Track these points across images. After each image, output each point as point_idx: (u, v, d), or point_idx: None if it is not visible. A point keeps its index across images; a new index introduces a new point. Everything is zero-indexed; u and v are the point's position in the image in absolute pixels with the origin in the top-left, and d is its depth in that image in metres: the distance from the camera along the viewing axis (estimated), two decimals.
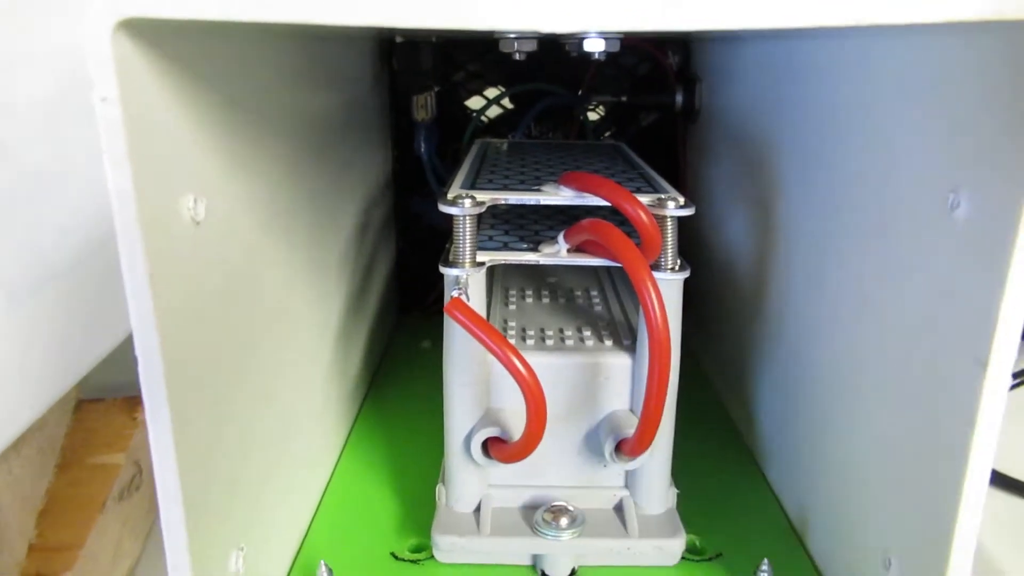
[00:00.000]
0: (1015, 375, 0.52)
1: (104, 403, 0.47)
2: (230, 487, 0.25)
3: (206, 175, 0.23)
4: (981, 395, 0.20)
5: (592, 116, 0.56)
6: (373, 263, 0.48)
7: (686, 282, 0.30)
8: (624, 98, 0.53)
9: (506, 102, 0.56)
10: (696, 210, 0.29)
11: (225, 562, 0.25)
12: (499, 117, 0.56)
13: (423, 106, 0.50)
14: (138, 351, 0.20)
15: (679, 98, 0.51)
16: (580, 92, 0.52)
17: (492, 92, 0.55)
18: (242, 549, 0.26)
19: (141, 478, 0.43)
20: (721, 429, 0.42)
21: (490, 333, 0.27)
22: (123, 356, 0.45)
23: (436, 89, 0.52)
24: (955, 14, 0.18)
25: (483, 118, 0.55)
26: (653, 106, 0.53)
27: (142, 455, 0.42)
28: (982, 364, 0.20)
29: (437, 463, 0.33)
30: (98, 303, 0.42)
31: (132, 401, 0.46)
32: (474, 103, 0.56)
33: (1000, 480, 0.42)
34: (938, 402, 0.23)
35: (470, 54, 0.54)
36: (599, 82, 0.54)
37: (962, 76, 0.22)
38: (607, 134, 0.56)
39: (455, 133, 0.54)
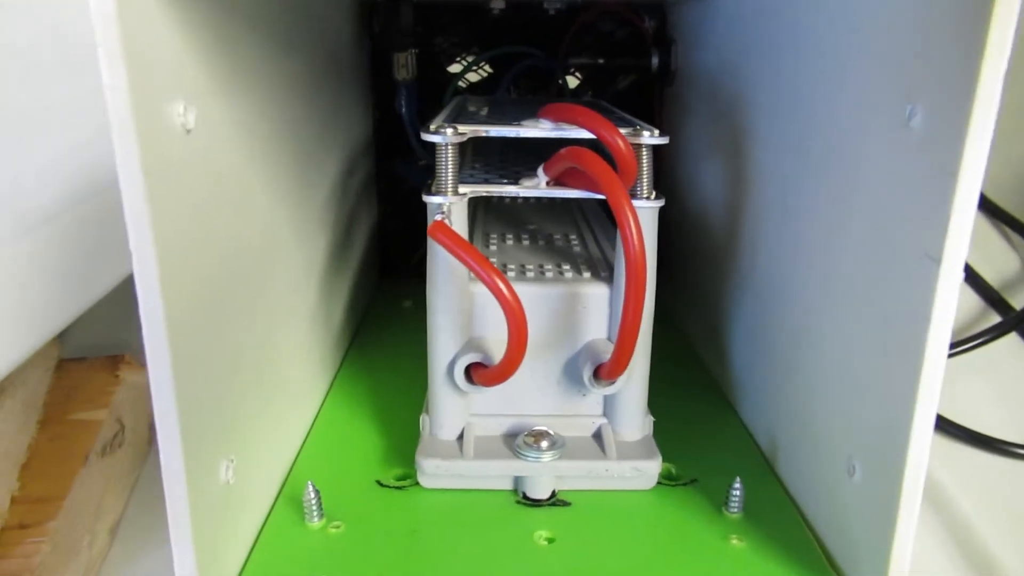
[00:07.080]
0: (977, 335, 0.53)
1: (86, 362, 0.47)
2: (219, 399, 0.26)
3: (196, 85, 0.23)
4: (936, 288, 0.22)
5: (572, 82, 0.57)
6: (355, 218, 0.49)
7: (663, 241, 0.32)
8: (601, 60, 0.54)
9: (487, 67, 0.57)
10: (673, 168, 0.30)
11: (215, 470, 0.26)
12: (480, 82, 0.57)
13: (404, 65, 0.50)
14: (132, 245, 0.21)
15: (655, 60, 0.52)
16: (558, 54, 0.53)
17: (473, 58, 0.56)
18: (232, 460, 0.26)
19: (124, 435, 0.43)
20: (695, 374, 0.44)
21: (472, 254, 0.28)
22: (105, 315, 0.45)
23: (416, 51, 0.53)
24: None
25: (462, 82, 0.56)
26: (630, 68, 0.54)
27: (125, 412, 0.42)
28: (936, 260, 0.22)
29: (419, 408, 0.34)
30: (81, 254, 0.42)
31: (115, 359, 0.46)
32: (455, 69, 0.57)
33: (973, 437, 0.44)
34: (895, 302, 0.24)
35: (450, 18, 0.55)
36: (578, 47, 0.55)
37: None
38: (586, 97, 0.57)
39: (436, 96, 0.55)
